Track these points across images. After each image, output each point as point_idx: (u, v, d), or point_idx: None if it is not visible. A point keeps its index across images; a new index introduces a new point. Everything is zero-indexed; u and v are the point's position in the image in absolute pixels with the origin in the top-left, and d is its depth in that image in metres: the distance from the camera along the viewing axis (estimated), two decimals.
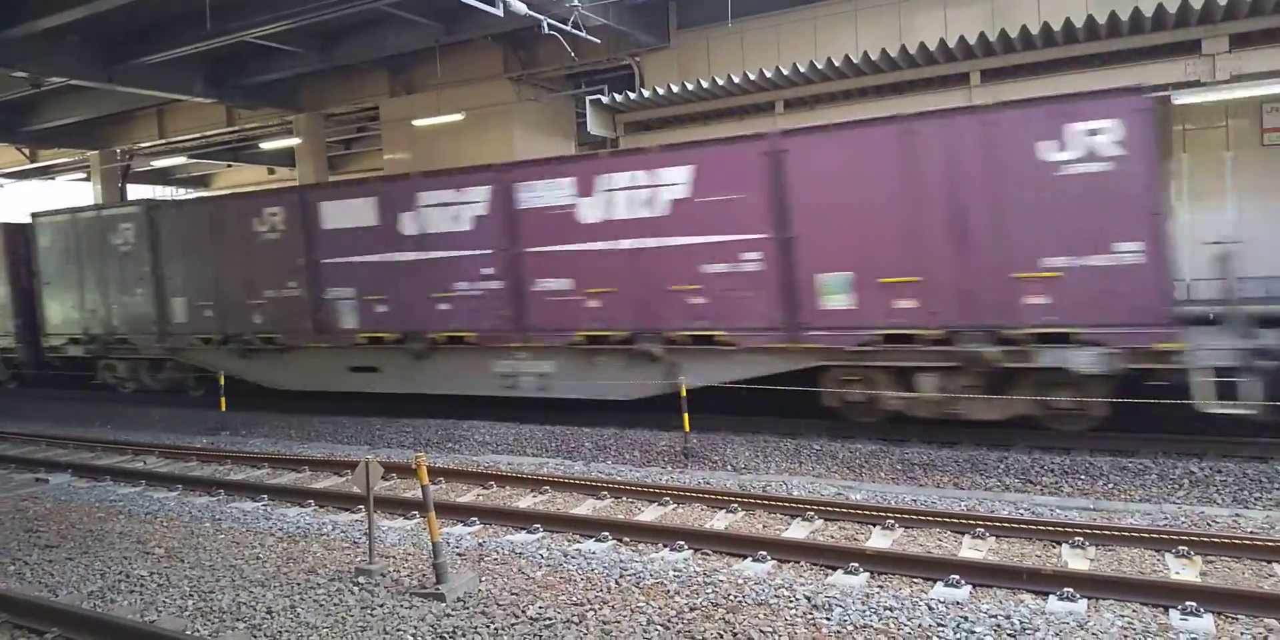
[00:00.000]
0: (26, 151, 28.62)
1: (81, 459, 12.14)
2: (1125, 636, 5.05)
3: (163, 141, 26.30)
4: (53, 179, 32.96)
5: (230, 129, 25.23)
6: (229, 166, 32.76)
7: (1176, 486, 8.17)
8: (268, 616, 5.97)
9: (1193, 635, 5.08)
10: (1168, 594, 5.70)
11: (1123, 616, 5.44)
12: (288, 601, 6.20)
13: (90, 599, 6.54)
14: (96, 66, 18.24)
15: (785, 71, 14.34)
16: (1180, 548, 6.52)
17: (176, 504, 9.32)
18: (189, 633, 5.75)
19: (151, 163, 27.68)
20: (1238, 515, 7.35)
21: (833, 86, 14.76)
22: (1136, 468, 8.54)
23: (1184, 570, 6.28)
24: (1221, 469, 8.30)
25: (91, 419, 15.66)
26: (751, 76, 14.58)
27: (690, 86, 15.15)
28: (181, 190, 35.74)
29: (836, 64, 14.00)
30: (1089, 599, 5.78)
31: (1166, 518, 7.37)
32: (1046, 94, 9.50)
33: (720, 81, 14.84)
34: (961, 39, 13.11)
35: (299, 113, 23.25)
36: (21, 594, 6.55)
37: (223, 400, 13.96)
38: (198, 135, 25.98)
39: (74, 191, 34.26)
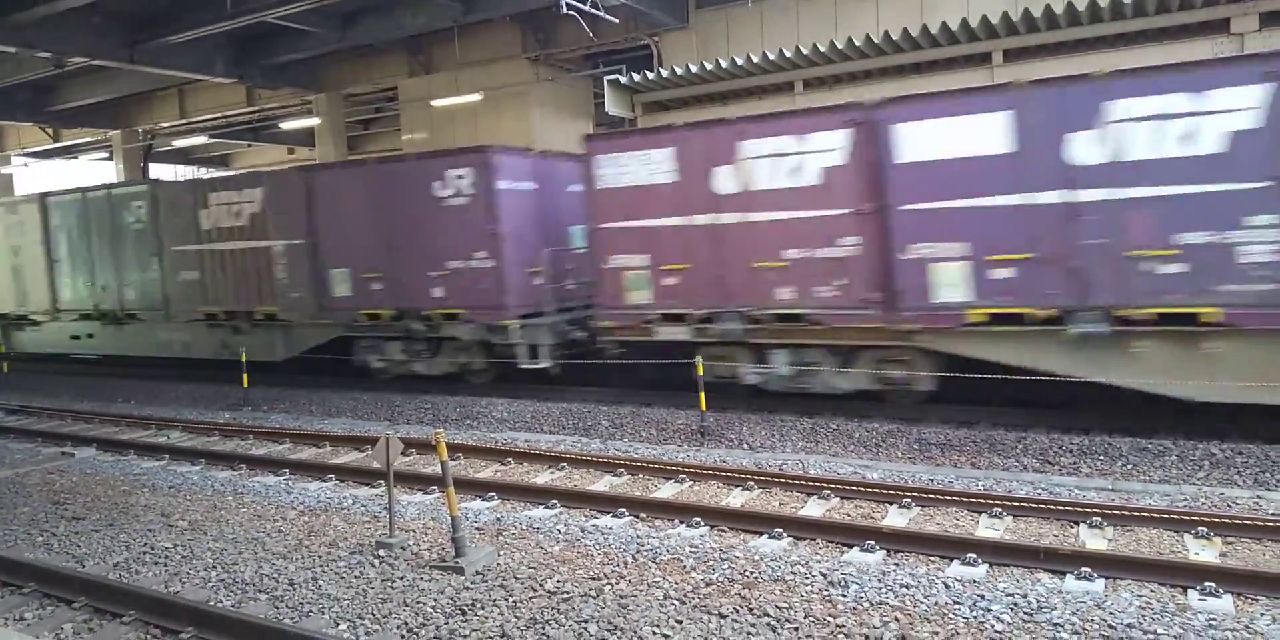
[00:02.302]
0: (50, 131, 28.83)
1: (106, 433, 12.31)
2: (1143, 616, 5.05)
3: (184, 121, 26.46)
4: (75, 158, 33.20)
5: (250, 109, 25.33)
6: (249, 146, 32.91)
7: (1197, 468, 8.12)
8: (290, 588, 6.06)
9: (1211, 615, 5.06)
10: (1186, 574, 5.69)
11: (1140, 596, 5.43)
12: (309, 574, 6.29)
13: (116, 570, 6.66)
14: (118, 46, 18.34)
15: (805, 51, 14.21)
16: (1200, 529, 6.49)
17: (199, 478, 9.45)
18: (212, 604, 5.85)
19: (173, 142, 27.85)
20: (1259, 497, 7.30)
21: (853, 66, 14.59)
22: (1156, 449, 8.49)
23: (1203, 551, 6.26)
24: (1243, 451, 8.24)
25: (115, 394, 15.86)
26: (771, 56, 14.45)
27: (709, 66, 15.04)
28: (203, 170, 35.93)
29: (857, 43, 13.86)
30: (1106, 579, 5.78)
31: (1186, 499, 7.33)
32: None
33: (739, 61, 14.72)
34: (984, 18, 12.93)
35: (318, 93, 23.31)
36: (49, 564, 6.67)
37: (244, 376, 14.10)
38: (218, 115, 26.10)
39: (97, 171, 34.50)
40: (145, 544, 7.18)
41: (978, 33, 13.26)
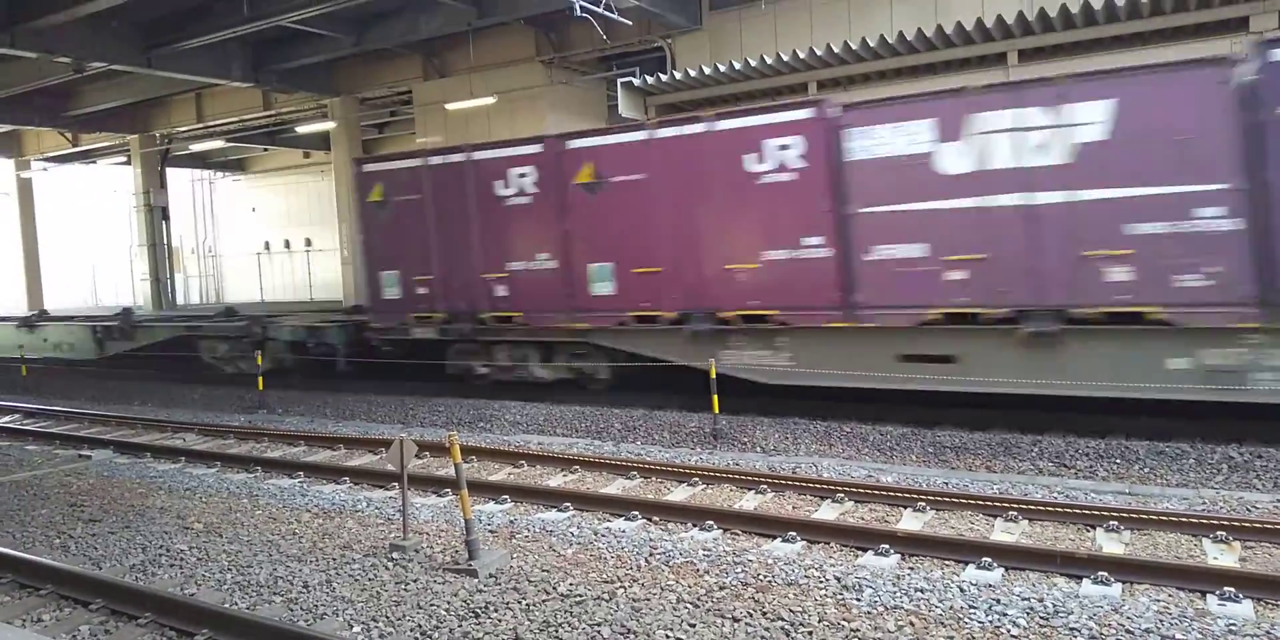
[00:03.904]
0: (69, 136, 29.11)
1: (122, 436, 12.39)
2: (1161, 621, 4.99)
3: (201, 125, 26.62)
4: (94, 163, 33.47)
5: (267, 113, 25.45)
6: (266, 150, 33.07)
7: (1215, 471, 8.04)
8: (304, 590, 6.08)
9: (1230, 621, 5.01)
10: (1205, 579, 5.62)
11: (1158, 601, 5.38)
12: (323, 576, 6.31)
13: (132, 572, 6.70)
14: (136, 51, 18.50)
15: (819, 52, 14.18)
16: (1218, 533, 6.42)
17: (215, 480, 9.50)
18: (228, 606, 5.87)
19: (190, 146, 28.03)
20: (1279, 501, 7.22)
21: (867, 67, 14.56)
22: (1174, 452, 8.42)
23: (1222, 556, 6.19)
24: (1262, 454, 8.15)
25: (132, 397, 15.98)
26: (785, 57, 14.43)
27: (723, 68, 15.03)
28: (220, 174, 36.14)
29: (871, 44, 13.82)
30: (1124, 583, 5.72)
31: (1204, 503, 7.26)
32: None
33: (753, 63, 14.71)
34: (999, 18, 12.87)
35: (334, 97, 23.43)
36: (67, 566, 6.71)
37: (260, 379, 14.18)
38: (235, 119, 26.24)
39: (115, 175, 34.75)
40: (161, 546, 7.22)
41: (993, 33, 13.20)
